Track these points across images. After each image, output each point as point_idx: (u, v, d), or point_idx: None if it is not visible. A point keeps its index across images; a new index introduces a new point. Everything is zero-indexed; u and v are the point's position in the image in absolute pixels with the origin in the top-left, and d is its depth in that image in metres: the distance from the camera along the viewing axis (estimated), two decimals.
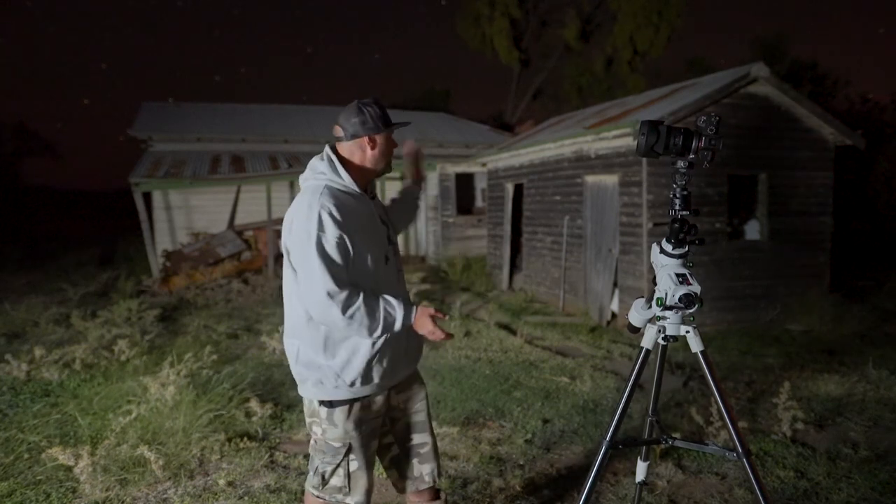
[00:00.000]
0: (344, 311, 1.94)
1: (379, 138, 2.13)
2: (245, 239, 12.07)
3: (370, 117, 2.10)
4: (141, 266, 12.32)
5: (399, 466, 2.33)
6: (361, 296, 1.97)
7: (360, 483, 2.16)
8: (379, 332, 2.00)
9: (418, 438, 2.31)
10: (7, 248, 17.16)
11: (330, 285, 1.93)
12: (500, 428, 4.13)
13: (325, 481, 2.14)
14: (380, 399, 2.18)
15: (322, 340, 2.06)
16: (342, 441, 2.11)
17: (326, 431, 2.12)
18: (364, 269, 2.05)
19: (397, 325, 2.02)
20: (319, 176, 2.09)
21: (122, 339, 6.01)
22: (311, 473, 2.19)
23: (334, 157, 2.11)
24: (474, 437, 3.94)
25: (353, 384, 2.07)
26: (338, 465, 2.12)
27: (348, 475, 2.13)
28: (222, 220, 12.77)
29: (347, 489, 2.14)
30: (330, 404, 2.10)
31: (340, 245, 1.97)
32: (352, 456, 2.13)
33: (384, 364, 2.11)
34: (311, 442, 2.18)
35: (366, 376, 2.08)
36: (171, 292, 10.15)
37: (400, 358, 2.17)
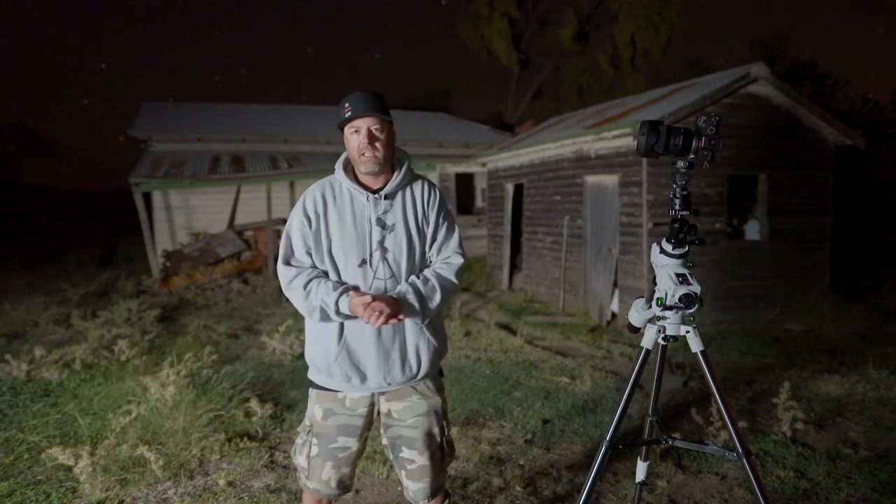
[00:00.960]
0: (286, 287, 2.08)
1: (343, 137, 2.12)
2: (245, 239, 12.07)
3: (341, 115, 2.10)
4: (141, 266, 12.32)
5: (396, 470, 2.28)
6: (304, 276, 2.05)
7: (318, 472, 2.15)
8: (317, 315, 2.03)
9: (408, 454, 2.17)
10: (7, 248, 17.16)
11: (280, 262, 2.11)
12: (500, 428, 4.13)
13: (295, 453, 2.25)
14: (356, 396, 2.14)
15: (306, 323, 2.21)
16: (310, 420, 2.21)
17: (307, 407, 2.24)
18: (327, 262, 2.10)
19: (331, 312, 2.01)
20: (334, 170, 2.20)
21: (122, 339, 6.01)
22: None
23: (345, 154, 2.18)
24: (474, 437, 3.94)
25: (319, 371, 2.15)
26: (304, 443, 2.20)
27: (308, 458, 2.17)
28: (222, 220, 12.77)
29: (307, 472, 2.19)
30: (310, 383, 2.22)
31: (301, 229, 2.09)
32: (313, 440, 2.16)
33: (344, 363, 2.07)
34: None
35: (327, 369, 2.11)
36: (171, 292, 10.15)
37: (371, 361, 2.09)
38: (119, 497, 3.17)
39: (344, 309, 2.00)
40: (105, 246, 16.32)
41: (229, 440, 3.82)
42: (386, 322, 1.94)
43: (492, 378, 5.23)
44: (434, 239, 2.18)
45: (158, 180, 11.41)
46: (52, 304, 8.66)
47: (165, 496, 3.21)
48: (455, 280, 2.16)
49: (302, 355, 5.95)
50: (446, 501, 2.34)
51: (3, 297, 9.09)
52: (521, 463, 3.60)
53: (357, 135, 2.04)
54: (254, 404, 4.24)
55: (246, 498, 3.18)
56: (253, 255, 11.80)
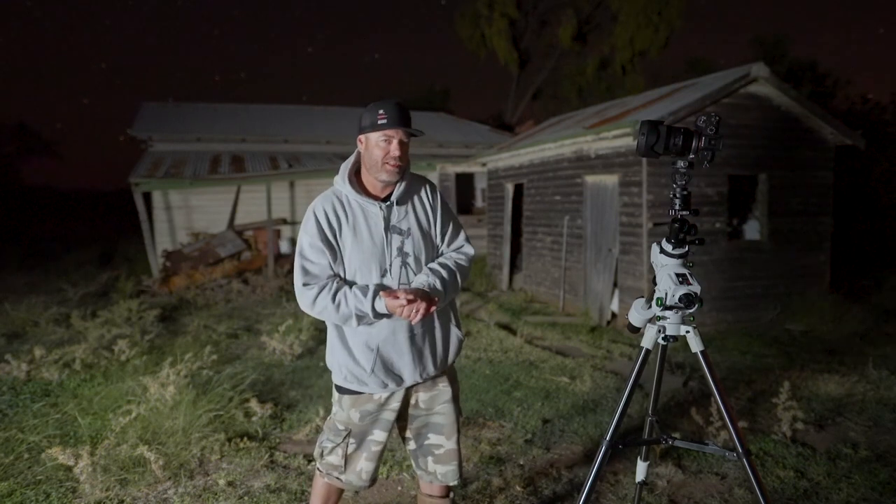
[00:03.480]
0: (312, 303, 2.06)
1: (363, 138, 2.13)
2: (245, 239, 12.08)
3: (365, 118, 2.11)
4: (141, 266, 12.32)
5: (416, 460, 2.37)
6: (330, 290, 2.05)
7: (356, 465, 2.25)
8: (354, 322, 2.06)
9: (435, 439, 2.30)
10: (7, 248, 17.16)
11: (300, 280, 2.08)
12: (500, 428, 4.13)
13: (323, 456, 2.30)
14: (389, 395, 2.21)
15: (331, 332, 2.21)
16: (345, 425, 2.25)
17: (336, 413, 2.29)
18: (349, 273, 2.13)
19: (369, 314, 2.04)
20: (334, 181, 2.22)
21: (122, 339, 6.01)
22: (317, 444, 2.34)
23: (348, 164, 2.20)
24: (474, 437, 3.94)
25: (353, 379, 2.18)
26: (337, 446, 2.26)
27: (346, 456, 2.25)
28: (222, 220, 12.77)
29: (343, 468, 2.26)
30: (339, 389, 2.25)
31: (314, 246, 2.08)
32: (351, 440, 2.24)
33: (381, 372, 2.14)
34: (329, 417, 2.35)
35: (361, 376, 2.15)
36: (171, 292, 10.15)
37: (406, 363, 2.16)
38: (119, 497, 3.17)
39: (381, 309, 2.03)
40: (105, 246, 16.31)
41: (229, 440, 3.82)
42: (425, 316, 2.02)
43: (492, 378, 5.23)
44: (443, 233, 2.28)
45: (158, 180, 11.41)
46: (52, 304, 8.66)
47: (165, 496, 3.21)
48: (468, 266, 2.28)
49: (301, 355, 5.95)
50: (450, 494, 2.38)
51: (3, 297, 9.09)
52: (521, 463, 3.60)
53: (388, 143, 2.08)
54: (254, 404, 4.24)
55: (246, 498, 3.18)
56: (253, 255, 11.80)
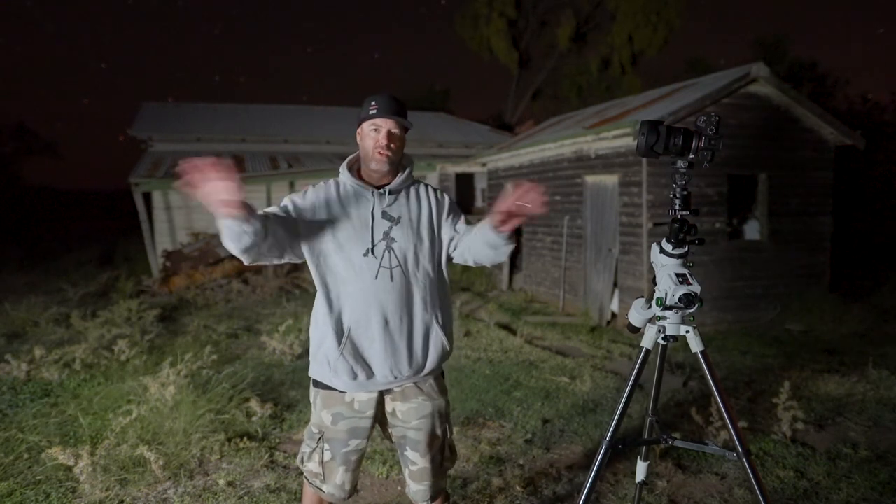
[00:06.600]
0: None
1: (359, 130, 2.18)
2: None
3: (361, 111, 2.17)
4: (141, 266, 12.32)
5: (402, 467, 2.31)
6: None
7: (335, 475, 2.18)
8: (224, 234, 2.05)
9: (411, 455, 2.21)
10: (7, 248, 17.16)
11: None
12: (500, 428, 4.13)
13: (304, 462, 2.24)
14: (364, 398, 2.14)
15: (318, 303, 2.17)
16: (318, 428, 2.19)
17: (312, 416, 2.24)
18: (333, 250, 2.12)
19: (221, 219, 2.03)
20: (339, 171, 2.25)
21: (122, 339, 6.01)
22: (300, 450, 2.29)
23: (351, 157, 2.25)
24: (474, 437, 3.94)
25: (325, 362, 2.12)
26: (313, 451, 2.20)
27: (322, 464, 2.18)
28: None
29: (322, 477, 2.20)
30: (314, 383, 2.19)
31: (292, 198, 2.15)
32: (325, 446, 2.17)
33: (349, 356, 2.08)
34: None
35: (334, 366, 2.09)
36: (171, 292, 10.15)
37: (376, 352, 2.09)
38: (119, 497, 3.17)
39: (220, 212, 1.97)
40: (105, 246, 16.31)
41: (229, 440, 3.82)
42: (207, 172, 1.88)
43: (492, 378, 5.23)
44: (454, 222, 2.26)
45: (158, 180, 11.40)
46: (52, 304, 8.66)
47: (165, 496, 3.21)
48: None
49: (301, 355, 5.95)
50: (447, 503, 2.35)
51: (3, 297, 9.09)
52: (521, 463, 3.60)
53: (376, 133, 2.11)
54: (254, 404, 4.24)
55: (246, 498, 3.18)
56: None
